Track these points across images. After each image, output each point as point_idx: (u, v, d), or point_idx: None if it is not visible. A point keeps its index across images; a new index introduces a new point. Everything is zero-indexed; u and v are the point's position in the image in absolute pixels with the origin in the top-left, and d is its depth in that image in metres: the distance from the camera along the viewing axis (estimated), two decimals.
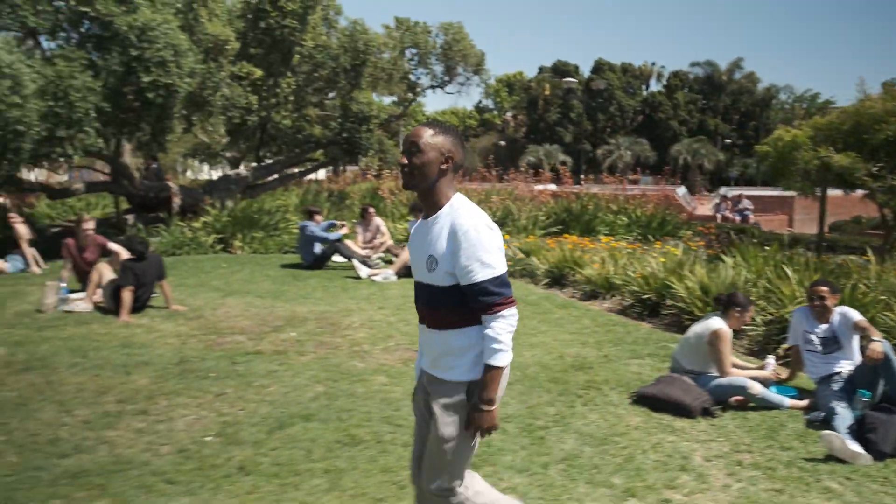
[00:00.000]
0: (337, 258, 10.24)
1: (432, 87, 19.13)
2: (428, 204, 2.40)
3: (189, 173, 33.23)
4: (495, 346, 2.28)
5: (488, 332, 2.29)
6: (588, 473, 3.66)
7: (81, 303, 7.43)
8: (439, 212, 2.37)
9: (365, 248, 10.46)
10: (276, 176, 17.50)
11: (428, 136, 2.35)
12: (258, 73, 14.29)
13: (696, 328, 4.93)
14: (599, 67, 68.95)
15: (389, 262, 10.13)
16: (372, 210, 11.15)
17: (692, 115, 67.70)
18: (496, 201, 13.95)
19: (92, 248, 8.04)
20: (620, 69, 70.35)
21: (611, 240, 11.40)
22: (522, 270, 9.69)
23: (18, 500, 3.30)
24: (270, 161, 18.05)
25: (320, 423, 4.26)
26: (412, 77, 19.04)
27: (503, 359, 2.29)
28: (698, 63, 68.03)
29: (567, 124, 69.37)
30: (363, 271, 9.43)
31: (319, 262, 10.11)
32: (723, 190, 28.82)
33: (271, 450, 3.87)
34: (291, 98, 16.30)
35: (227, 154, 21.66)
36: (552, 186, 20.82)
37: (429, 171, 2.34)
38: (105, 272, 7.46)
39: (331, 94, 17.58)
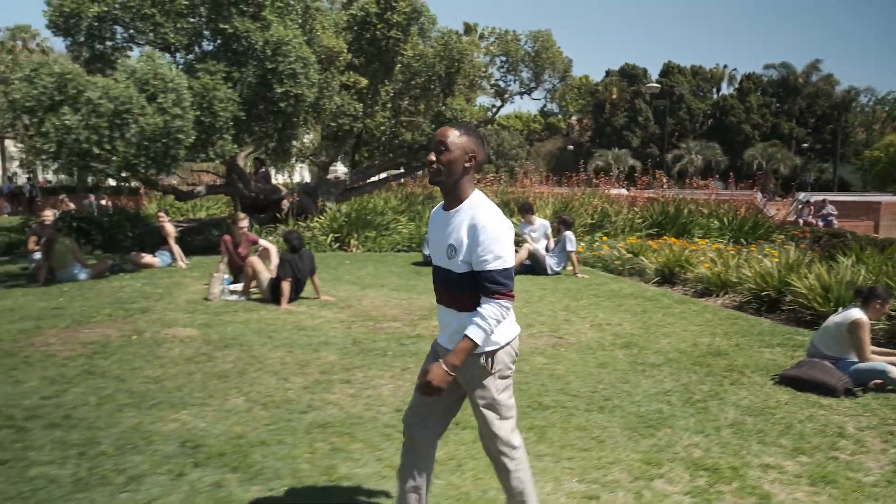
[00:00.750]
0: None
1: (520, 93, 19.73)
2: (450, 197, 2.63)
3: (279, 177, 34.65)
4: (481, 323, 2.51)
5: (480, 310, 2.52)
6: (756, 436, 4.21)
7: (239, 295, 8.31)
8: (461, 205, 2.61)
9: None
10: (371, 179, 18.39)
11: (454, 136, 2.57)
12: (364, 81, 15.17)
13: (836, 318, 5.39)
14: (668, 70, 68.34)
15: None
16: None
17: (765, 119, 66.36)
18: (596, 204, 14.45)
19: (245, 244, 8.95)
20: (690, 72, 69.54)
21: (706, 242, 11.77)
22: (631, 269, 10.20)
23: (287, 442, 4.04)
24: (364, 165, 18.96)
25: None
26: (501, 84, 19.68)
27: (481, 338, 2.52)
28: (773, 65, 66.65)
29: (634, 128, 68.95)
30: None
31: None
32: (803, 195, 28.47)
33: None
34: (389, 105, 17.17)
35: (320, 158, 22.73)
36: (623, 191, 21.18)
37: (454, 169, 2.57)
38: (258, 266, 8.30)
39: (423, 101, 18.35)
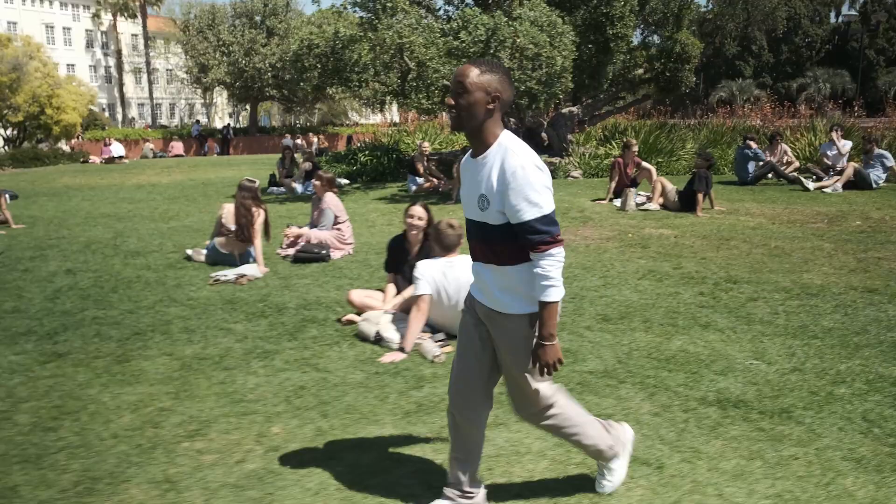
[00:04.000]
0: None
1: None
2: (476, 143, 2.39)
3: None
4: (546, 282, 2.30)
5: (538, 270, 2.30)
6: None
7: (651, 204, 10.05)
8: (488, 151, 2.35)
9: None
10: (601, 111, 19.80)
11: (474, 75, 2.30)
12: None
13: None
14: None
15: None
16: (779, 136, 13.15)
17: (892, 43, 63.76)
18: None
19: (631, 165, 10.66)
20: None
21: None
22: None
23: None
24: (590, 100, 20.36)
25: None
26: None
27: (556, 294, 2.31)
28: None
29: (748, 57, 67.32)
30: (811, 185, 11.58)
31: (754, 181, 12.31)
32: None
33: None
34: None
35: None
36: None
37: (476, 112, 2.31)
38: (666, 183, 9.99)
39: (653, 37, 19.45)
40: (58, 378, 4.17)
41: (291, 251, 7.53)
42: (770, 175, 12.44)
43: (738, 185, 12.34)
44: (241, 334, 4.94)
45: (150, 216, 10.85)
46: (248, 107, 43.36)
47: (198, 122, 39.51)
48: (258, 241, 6.97)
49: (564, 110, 20.05)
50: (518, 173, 2.25)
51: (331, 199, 7.71)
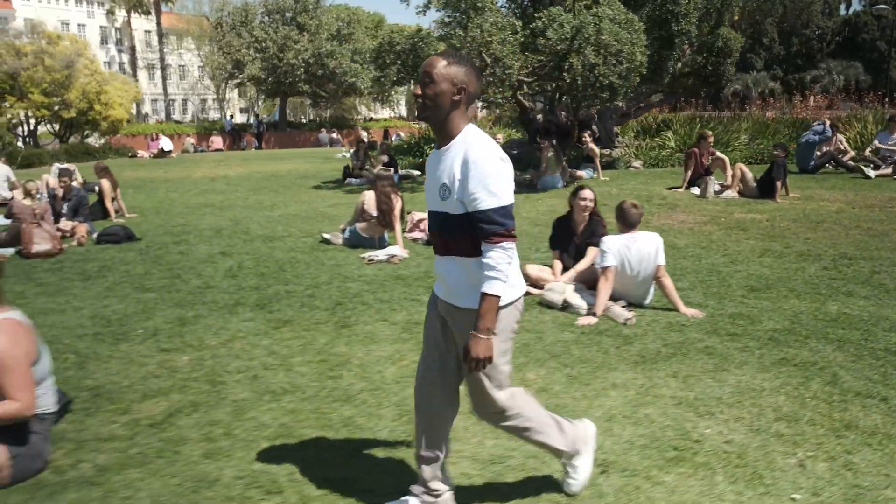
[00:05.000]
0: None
1: None
2: (441, 134, 2.41)
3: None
4: (493, 273, 2.28)
5: (486, 260, 2.29)
6: None
7: (729, 192, 10.65)
8: (452, 142, 2.38)
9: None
10: (642, 105, 20.37)
11: (441, 66, 2.34)
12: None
13: None
14: None
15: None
16: (835, 127, 13.70)
17: None
18: None
19: (706, 155, 11.25)
20: None
21: None
22: None
23: None
24: (632, 93, 20.93)
25: None
26: None
27: (500, 288, 2.29)
28: None
29: (759, 50, 67.69)
30: (871, 172, 12.16)
31: (815, 169, 12.90)
32: None
33: None
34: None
35: None
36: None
37: (441, 102, 2.34)
38: (746, 171, 10.58)
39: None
40: (301, 339, 4.78)
41: (417, 234, 8.14)
42: (829, 164, 13.01)
43: (798, 175, 12.91)
44: (404, 305, 5.55)
45: (250, 206, 11.46)
46: (275, 102, 44.03)
47: (231, 117, 40.09)
48: (398, 225, 7.59)
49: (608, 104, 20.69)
50: (479, 163, 2.28)
51: None
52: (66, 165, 13.37)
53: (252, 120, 36.44)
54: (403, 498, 2.70)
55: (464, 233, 2.36)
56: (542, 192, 11.74)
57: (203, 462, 3.11)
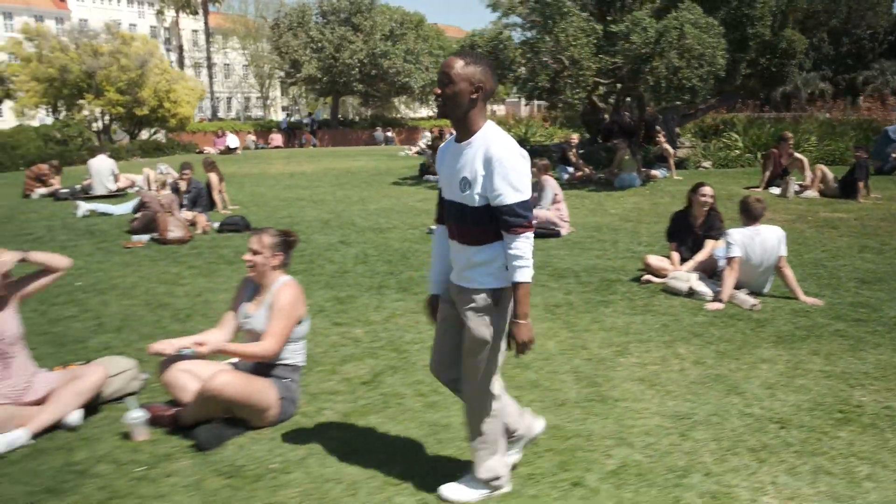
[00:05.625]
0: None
1: None
2: (461, 129, 2.55)
3: None
4: (521, 262, 2.47)
5: (512, 251, 2.47)
6: None
7: (810, 191, 10.93)
8: (472, 138, 2.52)
9: None
10: (702, 106, 20.59)
11: (459, 66, 2.46)
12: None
13: None
14: None
15: None
16: None
17: None
18: None
19: (785, 156, 11.54)
20: None
21: None
22: None
23: None
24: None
25: None
26: None
27: (528, 275, 2.49)
28: None
29: (809, 50, 66.71)
30: None
31: (891, 170, 13.07)
32: None
33: None
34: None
35: None
36: None
37: (460, 100, 2.48)
38: (827, 171, 10.86)
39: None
40: None
41: None
42: None
43: (874, 176, 13.09)
44: (564, 290, 6.03)
45: (341, 200, 12.06)
46: (318, 100, 44.93)
47: (288, 115, 41.05)
48: None
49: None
50: (504, 160, 2.43)
51: (549, 181, 8.77)
52: (160, 164, 14.11)
53: (305, 118, 37.24)
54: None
55: (476, 223, 2.53)
56: (619, 189, 12.13)
57: (428, 411, 3.63)
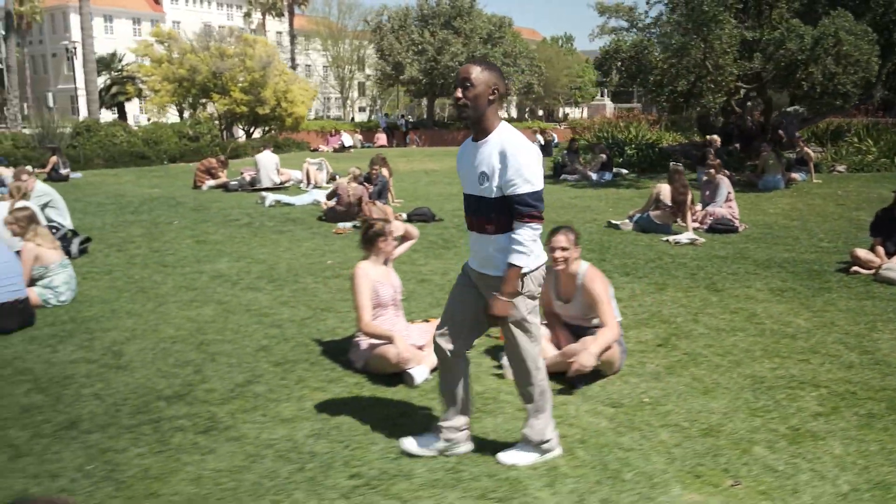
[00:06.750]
0: None
1: None
2: (478, 130, 2.81)
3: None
4: (520, 248, 2.73)
5: (515, 236, 2.73)
6: None
7: None
8: (488, 137, 2.78)
9: None
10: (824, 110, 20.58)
11: (477, 72, 2.73)
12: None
13: None
14: None
15: None
16: None
17: None
18: None
19: None
20: None
21: None
22: None
23: None
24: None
25: None
26: None
27: (523, 260, 2.73)
28: None
29: None
30: None
31: None
32: None
33: None
34: None
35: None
36: None
37: (480, 103, 2.74)
38: None
39: None
40: (686, 297, 5.92)
41: (696, 224, 9.16)
42: None
43: None
44: (780, 278, 6.57)
45: None
46: (398, 101, 46.07)
47: (386, 115, 42.37)
48: (689, 215, 8.65)
49: (789, 108, 21.00)
50: (518, 155, 2.70)
51: (724, 180, 9.29)
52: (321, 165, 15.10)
53: (399, 119, 38.37)
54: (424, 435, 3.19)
55: (495, 214, 2.78)
56: (763, 191, 12.48)
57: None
